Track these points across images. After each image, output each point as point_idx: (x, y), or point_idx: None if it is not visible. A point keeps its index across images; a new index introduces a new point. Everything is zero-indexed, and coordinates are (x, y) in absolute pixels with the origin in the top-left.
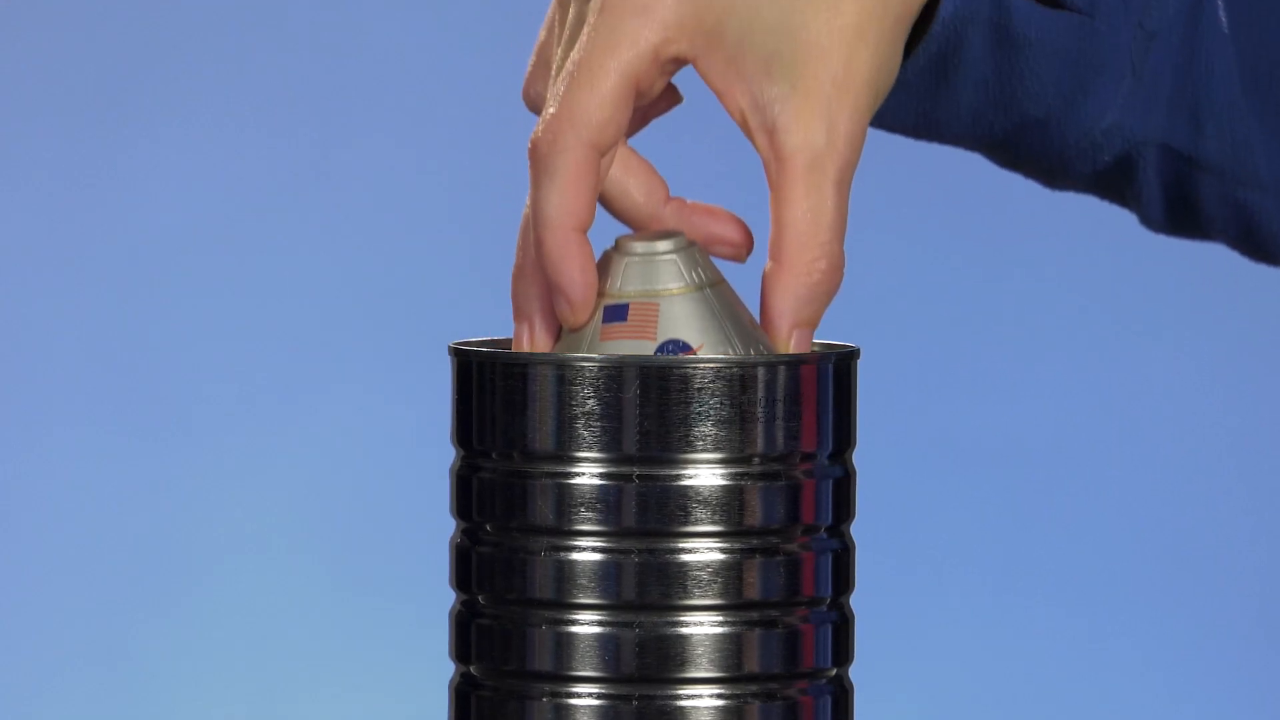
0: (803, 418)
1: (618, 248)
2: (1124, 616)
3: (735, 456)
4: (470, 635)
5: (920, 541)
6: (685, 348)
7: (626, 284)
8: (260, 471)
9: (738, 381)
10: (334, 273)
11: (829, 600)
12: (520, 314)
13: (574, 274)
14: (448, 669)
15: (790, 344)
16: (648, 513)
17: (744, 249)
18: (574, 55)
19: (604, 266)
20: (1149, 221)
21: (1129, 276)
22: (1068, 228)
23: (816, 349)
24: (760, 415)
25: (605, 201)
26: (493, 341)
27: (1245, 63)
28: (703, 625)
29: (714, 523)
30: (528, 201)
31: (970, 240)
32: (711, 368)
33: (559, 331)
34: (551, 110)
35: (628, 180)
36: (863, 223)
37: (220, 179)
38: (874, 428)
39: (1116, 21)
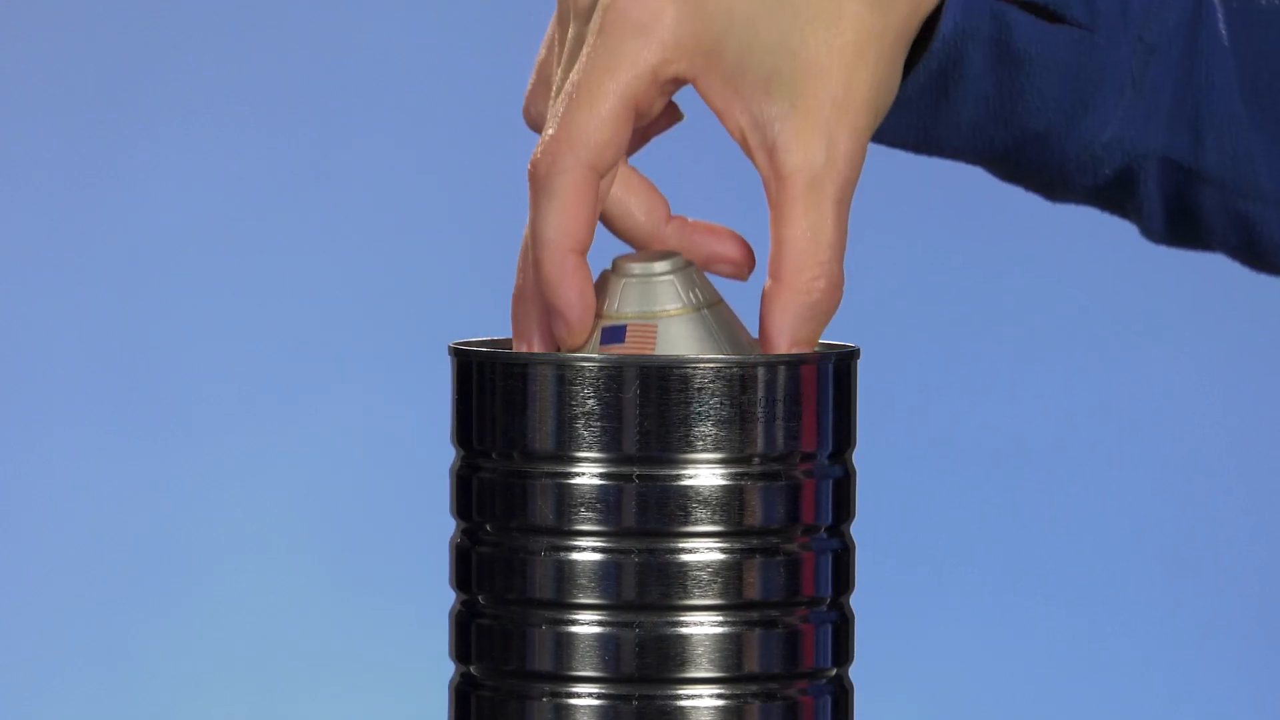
0: (803, 418)
1: (615, 269)
2: (1124, 616)
3: (735, 456)
4: (470, 635)
5: (920, 541)
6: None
7: (624, 305)
8: (260, 471)
9: (738, 381)
10: (334, 273)
11: (829, 600)
12: (519, 335)
13: (571, 296)
14: (448, 669)
15: None
16: (648, 513)
17: (745, 267)
18: (573, 76)
19: (601, 288)
20: (1150, 233)
21: (1129, 276)
22: (1068, 228)
23: (817, 350)
24: (760, 415)
25: (606, 221)
26: (493, 341)
27: (1245, 74)
28: (703, 625)
29: (714, 523)
30: (528, 223)
31: (970, 240)
32: (711, 368)
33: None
34: (550, 132)
35: (629, 199)
36: (863, 223)
37: (220, 179)
38: (874, 428)
39: (1116, 36)
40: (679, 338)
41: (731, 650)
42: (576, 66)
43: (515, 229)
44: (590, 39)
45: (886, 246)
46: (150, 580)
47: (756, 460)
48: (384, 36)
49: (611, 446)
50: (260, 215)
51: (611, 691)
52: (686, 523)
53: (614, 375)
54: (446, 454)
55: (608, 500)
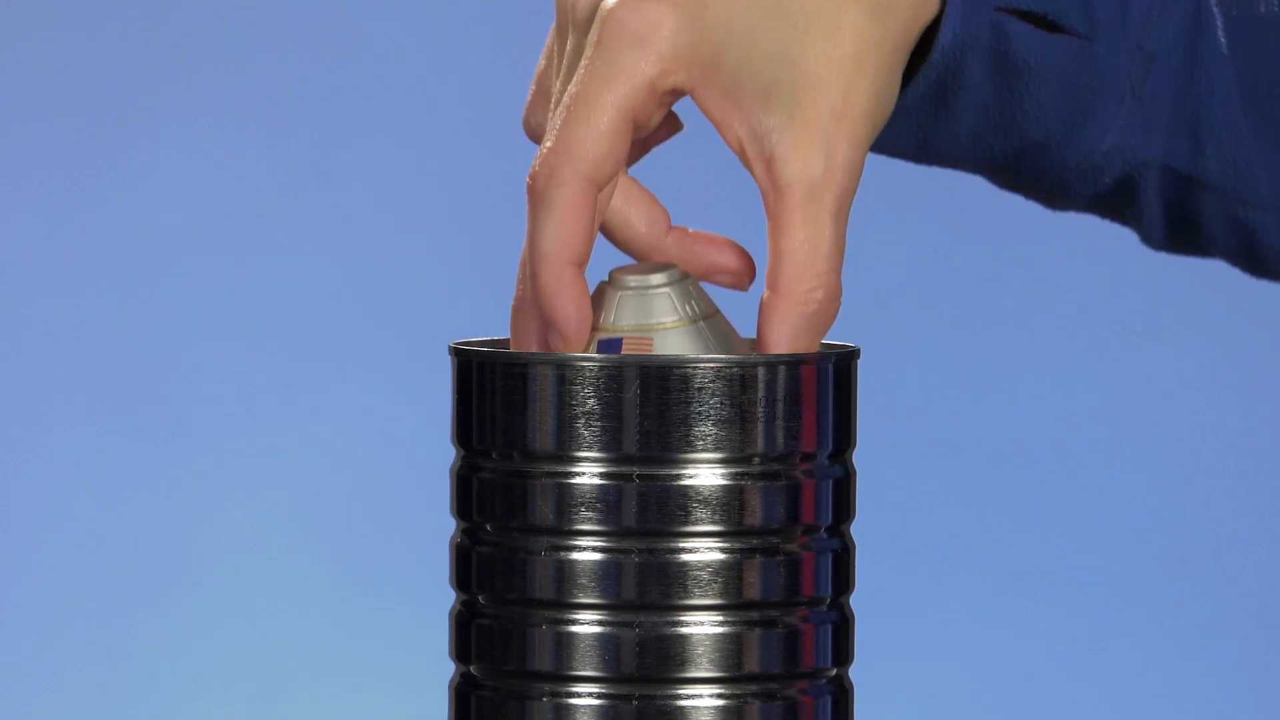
0: (803, 417)
1: (611, 281)
2: (1124, 616)
3: (735, 456)
4: (470, 635)
5: (920, 541)
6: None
7: (620, 318)
8: (260, 471)
9: (738, 381)
10: (334, 273)
11: (829, 600)
12: (518, 347)
13: (568, 308)
14: (448, 669)
15: None
16: (648, 512)
17: (746, 278)
18: (571, 89)
19: (598, 300)
20: (1150, 240)
21: (1129, 277)
22: (1068, 228)
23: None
24: (760, 415)
25: (607, 232)
26: (493, 341)
27: (1245, 82)
28: (703, 625)
29: (714, 522)
30: (526, 235)
31: (970, 240)
32: (712, 367)
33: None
34: (549, 144)
35: (629, 210)
36: (864, 223)
37: (220, 179)
38: (874, 428)
39: (1116, 44)
40: (675, 350)
41: (731, 650)
42: (575, 79)
43: (515, 229)
44: (588, 51)
45: (887, 246)
46: (150, 580)
47: (757, 460)
48: (384, 36)
49: (612, 446)
50: (260, 215)
51: (611, 691)
52: (686, 522)
53: (614, 375)
54: (446, 454)
55: (608, 500)
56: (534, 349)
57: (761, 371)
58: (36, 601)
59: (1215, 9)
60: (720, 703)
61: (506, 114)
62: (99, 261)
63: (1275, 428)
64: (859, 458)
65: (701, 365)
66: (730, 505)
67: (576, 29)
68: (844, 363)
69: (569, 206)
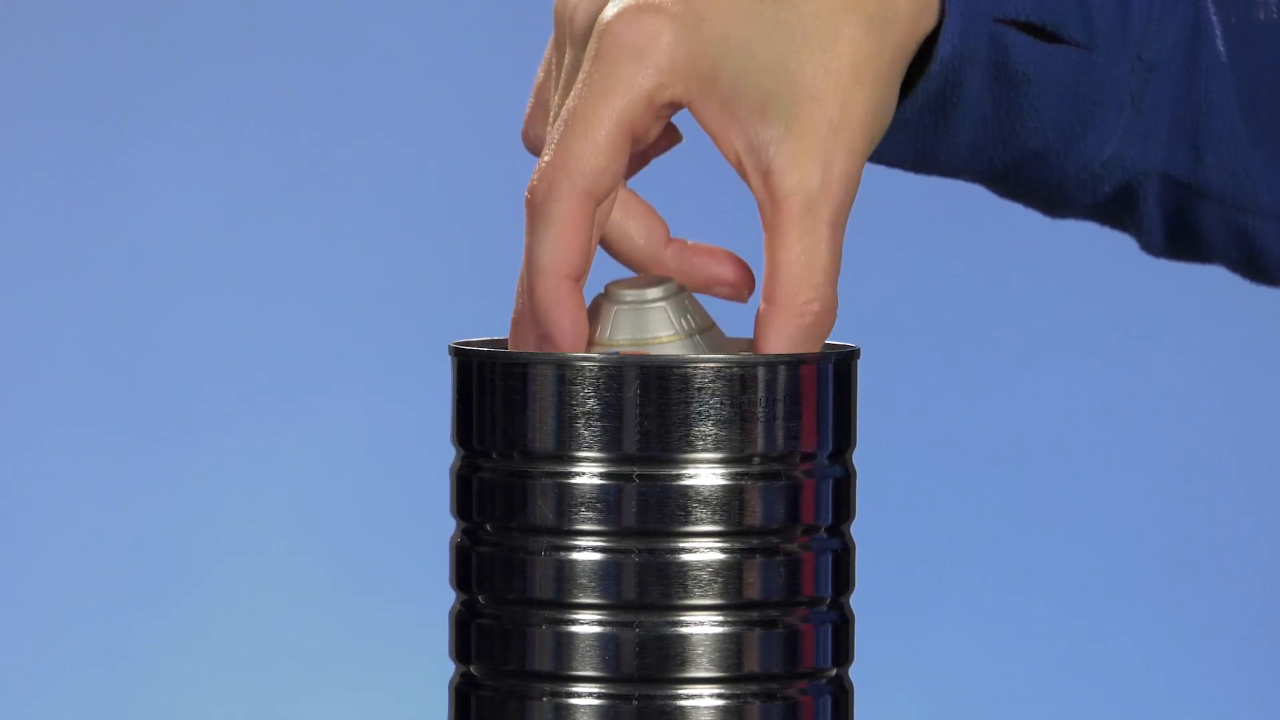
0: (803, 417)
1: (607, 295)
2: (1124, 616)
3: (735, 456)
4: (470, 635)
5: (920, 542)
6: None
7: (616, 332)
8: (260, 471)
9: (738, 381)
10: (334, 273)
11: (829, 600)
12: None
13: (564, 322)
14: (448, 669)
15: None
16: (648, 512)
17: (745, 289)
18: (569, 103)
19: (594, 314)
20: (1149, 248)
21: (1129, 277)
22: (1068, 229)
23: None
24: (760, 415)
25: (606, 244)
26: (493, 341)
27: (1244, 90)
28: (703, 625)
29: (714, 522)
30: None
31: (971, 240)
32: (712, 367)
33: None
34: (547, 159)
35: (628, 222)
36: (864, 223)
37: (220, 179)
38: (874, 428)
39: (1115, 54)
40: None
41: (731, 650)
42: (573, 93)
43: (515, 230)
44: (586, 64)
45: (888, 247)
46: (150, 580)
47: (757, 460)
48: (384, 36)
49: (612, 446)
50: (260, 215)
51: (611, 691)
52: (686, 522)
53: (614, 375)
54: (446, 454)
55: (608, 500)
56: None
57: (761, 371)
58: (36, 601)
59: (1214, 18)
60: (720, 703)
61: (506, 115)
62: (99, 261)
63: (1275, 428)
64: (859, 458)
65: (701, 365)
66: (730, 505)
67: (574, 42)
68: (844, 363)
69: (567, 221)
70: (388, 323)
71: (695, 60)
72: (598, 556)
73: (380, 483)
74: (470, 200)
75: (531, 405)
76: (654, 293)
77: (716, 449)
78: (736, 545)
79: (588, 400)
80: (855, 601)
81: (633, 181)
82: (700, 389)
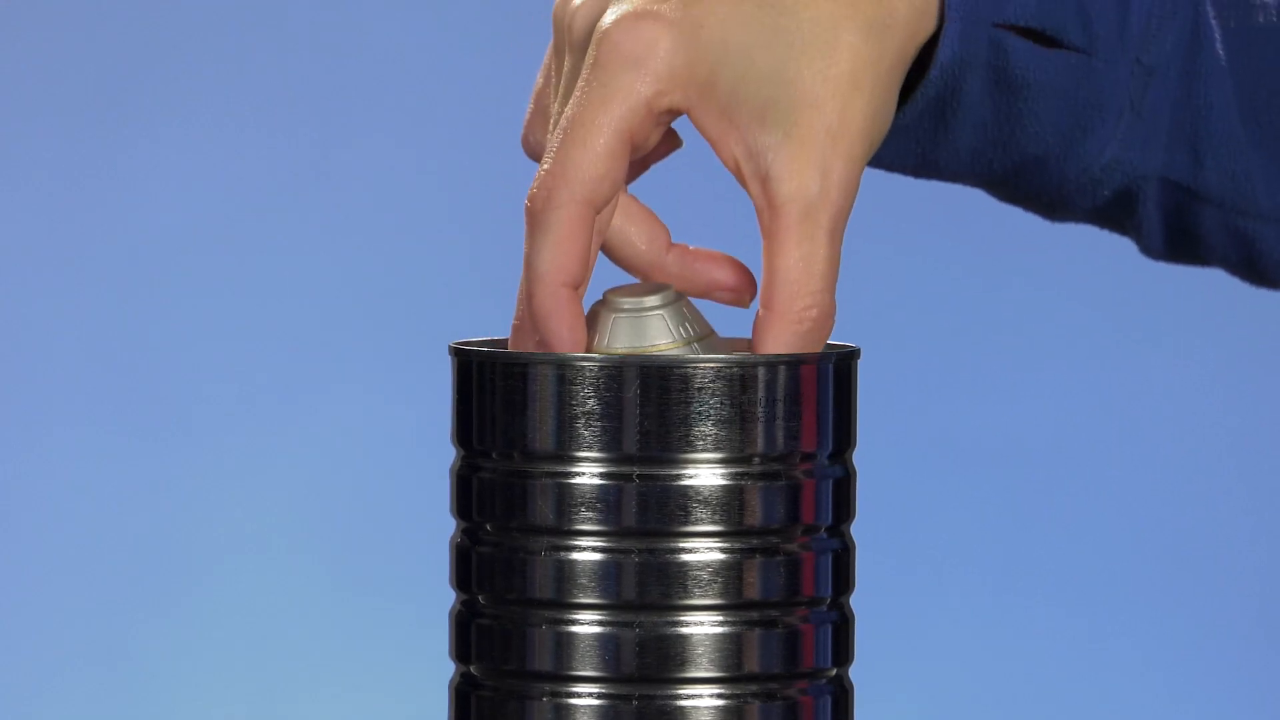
0: (803, 417)
1: (605, 303)
2: (1124, 616)
3: (735, 456)
4: (470, 635)
5: (920, 542)
6: None
7: (614, 340)
8: (260, 471)
9: (738, 381)
10: (334, 273)
11: (829, 600)
12: None
13: (562, 330)
14: (448, 669)
15: None
16: (648, 512)
17: (747, 294)
18: (568, 111)
19: (592, 322)
20: (1149, 251)
21: (1128, 278)
22: (1068, 230)
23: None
24: (760, 415)
25: (607, 250)
26: (493, 341)
27: (1243, 93)
28: (703, 625)
29: (714, 522)
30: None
31: (971, 241)
32: (712, 367)
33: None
34: (546, 167)
35: (629, 228)
36: (865, 225)
37: (220, 179)
38: (874, 428)
39: (1114, 58)
40: None
41: (731, 650)
42: (571, 101)
43: (515, 230)
44: (584, 72)
45: (888, 248)
46: (150, 580)
47: (757, 460)
48: (384, 36)
49: (612, 446)
50: (260, 215)
51: (611, 691)
52: (686, 522)
53: (614, 375)
54: (446, 454)
55: (608, 500)
56: None
57: (761, 371)
58: (36, 601)
59: (1214, 21)
60: (720, 703)
61: (507, 114)
62: (99, 261)
63: (1274, 428)
64: (859, 458)
65: (701, 365)
66: (730, 505)
67: (573, 49)
68: (844, 363)
69: (565, 229)
70: (388, 323)
71: (694, 67)
72: (598, 556)
73: (380, 483)
74: (470, 200)
75: (531, 405)
76: (652, 300)
77: (716, 449)
78: (736, 545)
79: (588, 400)
80: (855, 601)
81: (634, 187)
82: (700, 389)
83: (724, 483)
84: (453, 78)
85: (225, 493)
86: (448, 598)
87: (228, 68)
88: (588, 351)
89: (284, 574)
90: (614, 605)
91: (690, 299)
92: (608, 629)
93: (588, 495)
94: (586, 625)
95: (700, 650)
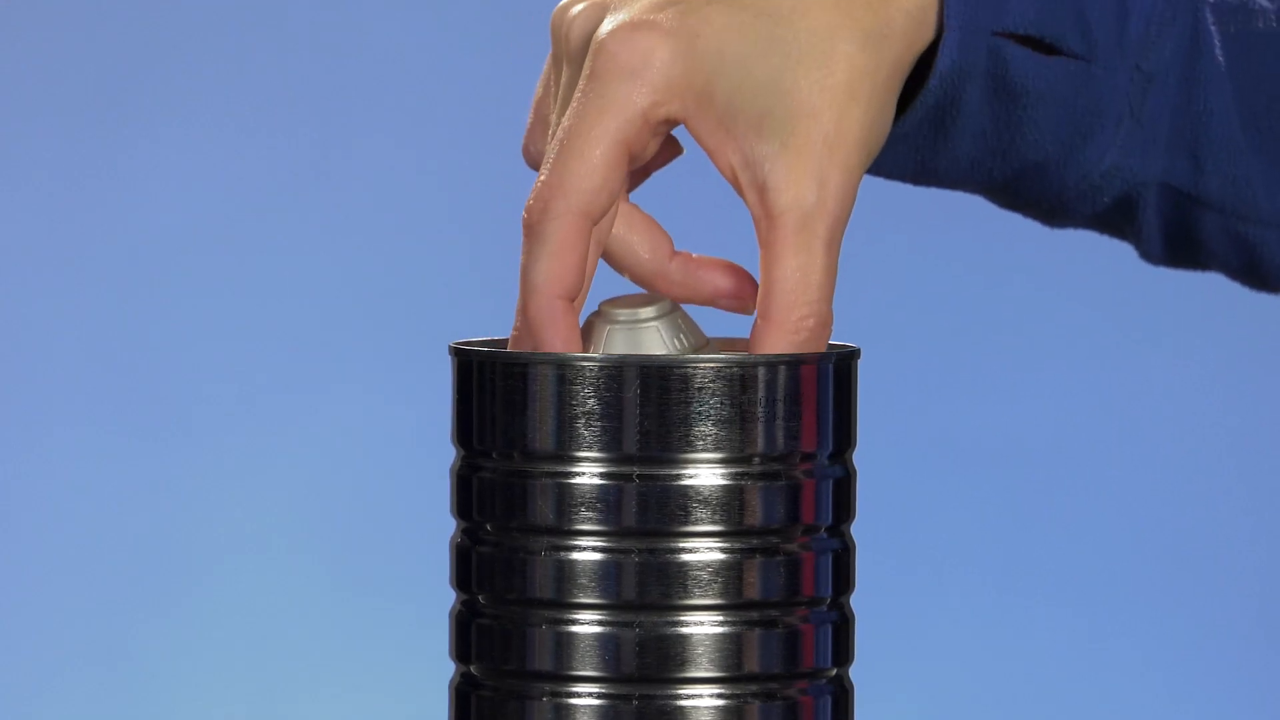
0: (803, 417)
1: (601, 314)
2: (1124, 616)
3: (735, 456)
4: (470, 635)
5: (920, 542)
6: None
7: (610, 351)
8: (260, 471)
9: (738, 381)
10: (334, 273)
11: (829, 600)
12: None
13: (556, 342)
14: (448, 669)
15: None
16: (648, 512)
17: (750, 301)
18: (565, 122)
19: (587, 333)
20: (1149, 256)
21: (1129, 278)
22: (1069, 231)
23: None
24: (761, 415)
25: (610, 259)
26: (493, 341)
27: (1243, 98)
28: (703, 625)
29: (714, 522)
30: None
31: (971, 241)
32: (712, 367)
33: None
34: (542, 178)
35: (631, 237)
36: (865, 224)
37: (220, 179)
38: (874, 428)
39: (1114, 65)
40: None
41: (731, 650)
42: (568, 112)
43: (515, 230)
44: (581, 83)
45: (888, 246)
46: (150, 580)
47: (757, 460)
48: (384, 36)
49: (612, 446)
50: (260, 215)
51: (611, 691)
52: (687, 522)
53: (614, 375)
54: (446, 454)
55: (608, 500)
56: None
57: (762, 371)
58: (36, 601)
59: (1213, 27)
60: (720, 703)
61: (507, 114)
62: (99, 261)
63: (1274, 428)
64: (859, 458)
65: (702, 365)
66: (730, 505)
67: (571, 60)
68: (844, 363)
69: (560, 240)
70: (388, 323)
71: (690, 77)
72: (598, 556)
73: (380, 483)
74: (470, 200)
75: (532, 405)
76: (647, 312)
77: (717, 449)
78: (737, 545)
79: (588, 400)
80: (855, 601)
81: (635, 195)
82: (700, 389)
83: (724, 483)
84: (453, 78)
85: (225, 493)
86: (448, 598)
87: (228, 68)
88: None
89: (284, 574)
90: (614, 605)
91: (686, 310)
92: (608, 629)
93: (588, 495)
94: (587, 625)
95: (700, 650)
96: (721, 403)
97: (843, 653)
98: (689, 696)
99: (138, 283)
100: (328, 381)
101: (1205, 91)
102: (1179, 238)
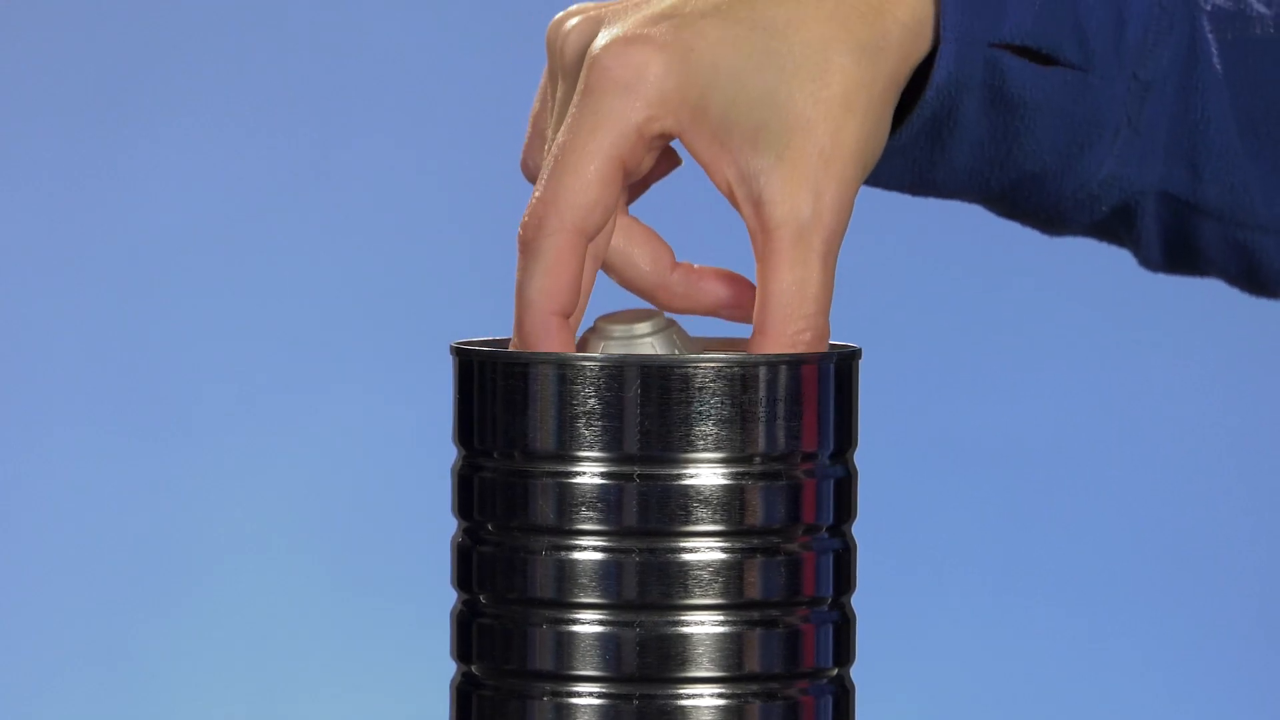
0: (804, 417)
1: (596, 330)
2: (1124, 616)
3: (736, 456)
4: (471, 635)
5: (921, 542)
6: None
7: None
8: (260, 471)
9: (739, 381)
10: (334, 273)
11: (830, 600)
12: None
13: None
14: (448, 669)
15: None
16: (649, 512)
17: (752, 311)
18: (559, 138)
19: (583, 349)
20: (1147, 263)
21: (1129, 278)
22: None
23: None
24: (761, 415)
25: (611, 272)
26: (494, 341)
27: (1240, 106)
28: (704, 625)
29: (715, 522)
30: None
31: (972, 242)
32: (713, 367)
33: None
34: (537, 194)
35: (631, 250)
36: (866, 224)
37: (220, 179)
38: (875, 428)
39: (1111, 75)
40: None
41: (732, 650)
42: (563, 128)
43: (515, 229)
44: (575, 98)
45: (889, 247)
46: (150, 580)
47: (758, 460)
48: (384, 36)
49: (612, 446)
50: (260, 215)
51: (612, 691)
52: (687, 522)
53: (615, 374)
54: (447, 454)
55: (609, 500)
56: None
57: (762, 371)
58: (36, 601)
59: (1210, 35)
60: (721, 702)
61: (507, 114)
62: (99, 261)
63: (1274, 428)
64: (860, 458)
65: (702, 365)
66: (731, 505)
67: (566, 75)
68: (845, 362)
69: (555, 256)
70: (388, 323)
71: (685, 91)
72: (598, 556)
73: (380, 483)
74: (470, 200)
75: (532, 405)
76: (643, 327)
77: (717, 449)
78: (737, 545)
79: (589, 400)
80: (856, 601)
81: (635, 207)
82: (701, 389)
83: (725, 482)
84: (453, 78)
85: (225, 493)
86: (448, 597)
87: (228, 68)
88: None
89: (284, 574)
90: (615, 605)
91: (681, 325)
92: (609, 629)
93: (588, 495)
94: (587, 625)
95: (701, 650)
96: (722, 402)
97: (844, 653)
98: (690, 696)
99: (138, 283)
100: (328, 381)
101: (1203, 99)
102: (1178, 245)
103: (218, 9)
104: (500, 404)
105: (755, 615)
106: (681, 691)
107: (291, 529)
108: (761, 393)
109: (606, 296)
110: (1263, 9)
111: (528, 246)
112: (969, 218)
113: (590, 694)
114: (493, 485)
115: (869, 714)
